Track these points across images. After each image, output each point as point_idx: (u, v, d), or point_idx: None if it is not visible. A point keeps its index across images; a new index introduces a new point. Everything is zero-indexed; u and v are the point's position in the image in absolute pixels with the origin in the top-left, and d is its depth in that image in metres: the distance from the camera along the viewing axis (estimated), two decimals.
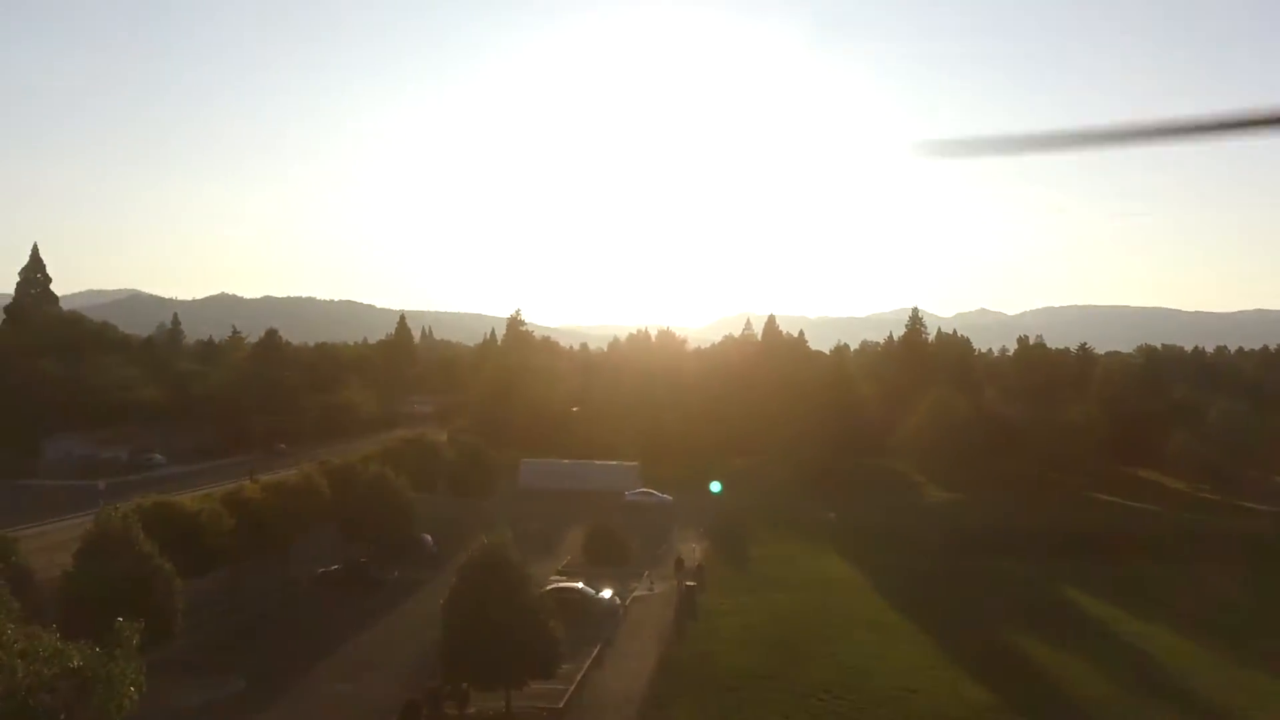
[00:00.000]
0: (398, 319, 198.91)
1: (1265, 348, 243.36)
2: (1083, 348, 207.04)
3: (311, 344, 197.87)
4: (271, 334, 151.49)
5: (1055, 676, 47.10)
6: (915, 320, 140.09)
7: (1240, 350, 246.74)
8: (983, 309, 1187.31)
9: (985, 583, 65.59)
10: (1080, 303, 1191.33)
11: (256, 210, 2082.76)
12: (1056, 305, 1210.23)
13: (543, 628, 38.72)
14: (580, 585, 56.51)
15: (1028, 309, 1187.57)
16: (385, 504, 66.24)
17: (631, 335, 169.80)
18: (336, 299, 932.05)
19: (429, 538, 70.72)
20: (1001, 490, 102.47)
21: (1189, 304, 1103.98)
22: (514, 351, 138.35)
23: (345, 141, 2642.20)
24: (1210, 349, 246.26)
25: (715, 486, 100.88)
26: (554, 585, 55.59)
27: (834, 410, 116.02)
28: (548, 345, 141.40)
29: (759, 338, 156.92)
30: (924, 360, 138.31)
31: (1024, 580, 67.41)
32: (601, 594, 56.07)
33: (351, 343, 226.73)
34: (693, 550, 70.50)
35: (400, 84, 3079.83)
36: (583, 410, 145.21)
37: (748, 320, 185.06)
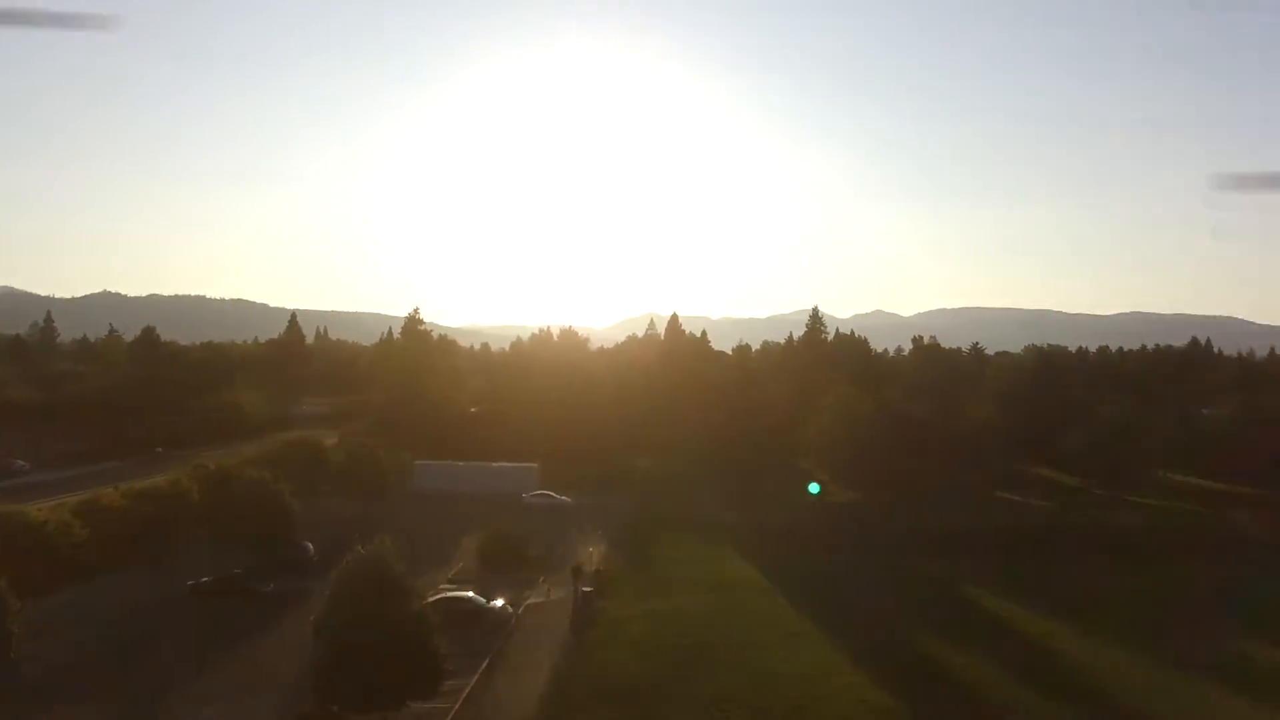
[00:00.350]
0: (291, 318, 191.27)
1: (1144, 347, 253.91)
2: (975, 347, 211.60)
3: (199, 344, 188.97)
4: (149, 332, 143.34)
5: (960, 679, 45.79)
6: (815, 319, 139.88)
7: (1121, 350, 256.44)
8: (878, 310, 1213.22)
9: (889, 583, 64.53)
10: (972, 304, 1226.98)
11: (142, 205, 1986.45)
12: (950, 307, 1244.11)
13: (425, 642, 35.61)
14: (470, 594, 53.40)
15: (922, 310, 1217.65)
16: (263, 511, 61.78)
17: (534, 335, 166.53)
18: (228, 298, 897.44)
19: (310, 546, 66.44)
20: (905, 488, 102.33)
21: (1072, 306, 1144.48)
22: (411, 351, 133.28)
23: (239, 137, 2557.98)
24: (1094, 349, 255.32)
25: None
26: (441, 595, 52.39)
27: (738, 408, 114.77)
28: (446, 344, 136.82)
29: (662, 337, 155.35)
30: (825, 358, 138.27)
31: (927, 579, 66.59)
32: (493, 603, 53.03)
33: (242, 342, 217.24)
34: (590, 554, 67.81)
35: (301, 81, 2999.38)
36: (484, 411, 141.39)
37: (651, 320, 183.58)
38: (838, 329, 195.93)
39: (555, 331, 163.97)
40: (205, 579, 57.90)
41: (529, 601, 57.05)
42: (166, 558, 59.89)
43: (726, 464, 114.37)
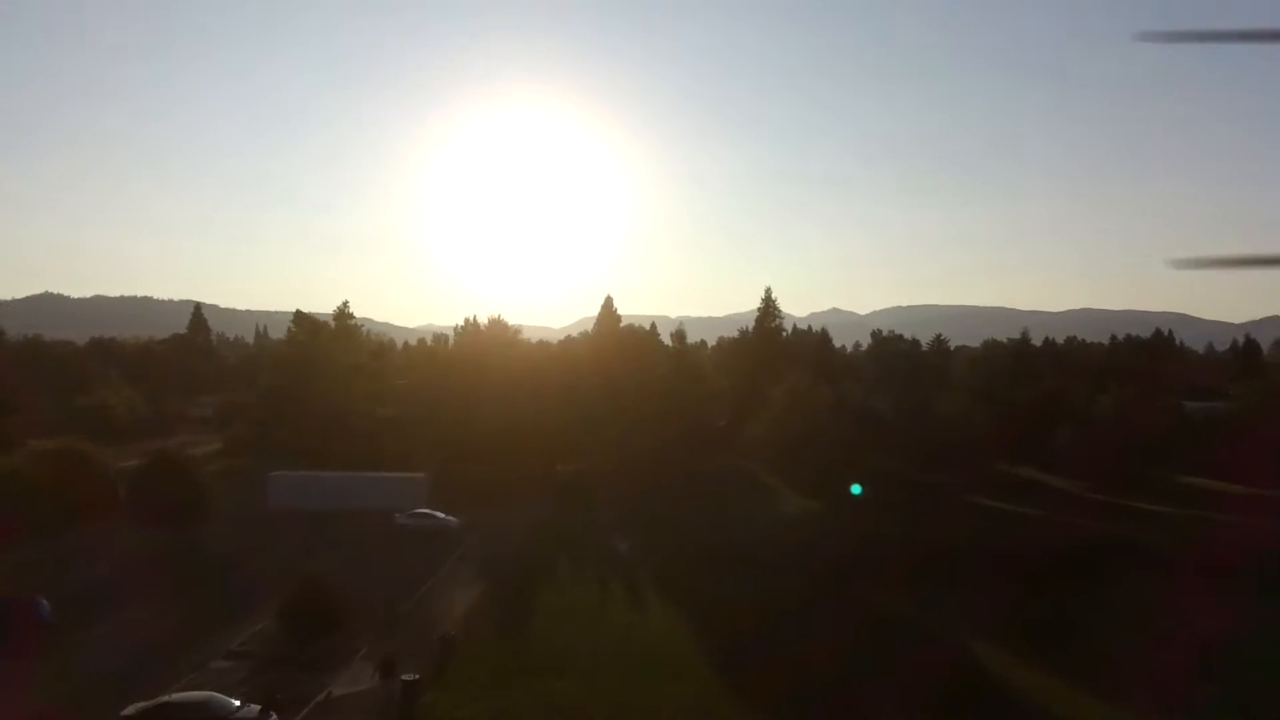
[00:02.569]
0: (194, 310, 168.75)
1: (1113, 338, 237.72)
2: (938, 339, 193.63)
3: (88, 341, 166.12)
4: None
5: None
6: (768, 305, 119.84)
7: (1083, 341, 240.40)
8: (835, 308, 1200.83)
9: (861, 634, 45.02)
10: (927, 302, 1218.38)
11: (86, 205, 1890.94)
12: (905, 304, 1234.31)
13: None
14: (207, 696, 33.02)
15: (877, 308, 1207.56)
16: None
17: (458, 328, 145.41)
18: (177, 298, 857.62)
19: (45, 603, 45.47)
20: (869, 495, 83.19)
21: (1024, 303, 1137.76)
22: (296, 345, 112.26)
23: (196, 138, 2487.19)
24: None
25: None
26: (160, 702, 32.06)
27: (676, 404, 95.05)
28: (348, 337, 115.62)
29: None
30: (780, 349, 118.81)
31: (907, 622, 47.36)
32: (241, 710, 32.67)
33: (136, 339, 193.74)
34: (449, 606, 47.56)
35: (224, 79, 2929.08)
36: (397, 414, 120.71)
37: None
38: (794, 326, 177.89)
39: (485, 323, 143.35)
40: None
41: (326, 696, 36.50)
42: None
43: (663, 468, 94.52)
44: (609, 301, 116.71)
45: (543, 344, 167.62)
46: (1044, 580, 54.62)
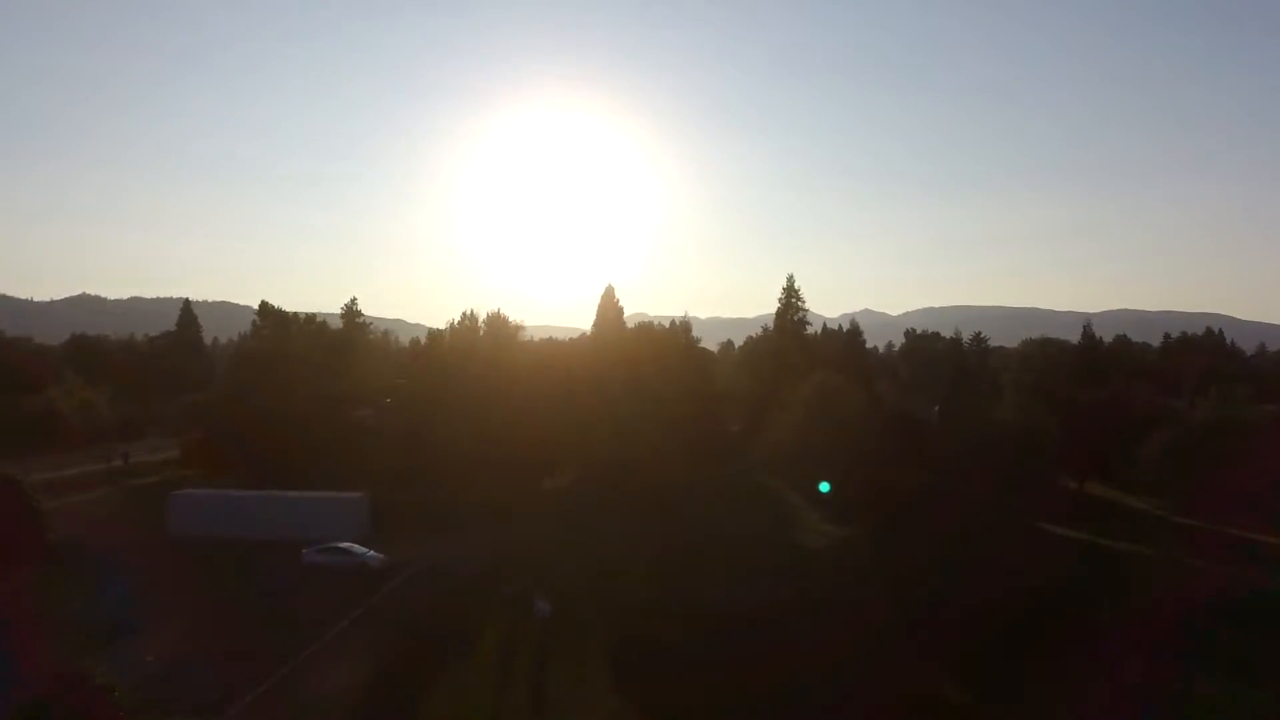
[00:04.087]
0: (184, 306, 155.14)
1: (1167, 337, 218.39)
2: (977, 338, 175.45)
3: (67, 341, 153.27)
4: None
5: None
6: (790, 293, 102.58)
7: (1128, 341, 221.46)
8: (867, 309, 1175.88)
9: None
10: (958, 303, 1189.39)
11: (125, 206, 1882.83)
12: (936, 306, 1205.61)
13: None
14: None
15: (909, 309, 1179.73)
16: None
17: (454, 324, 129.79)
18: (212, 299, 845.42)
19: None
20: (911, 517, 66.32)
21: (1058, 304, 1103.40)
22: (265, 341, 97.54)
23: (231, 136, 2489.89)
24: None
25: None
26: None
27: (683, 408, 78.88)
28: (315, 330, 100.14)
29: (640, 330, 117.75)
30: (804, 346, 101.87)
31: None
32: None
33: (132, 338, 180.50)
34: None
35: (282, 83, 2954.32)
36: (371, 417, 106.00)
37: (638, 320, 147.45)
38: (825, 325, 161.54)
39: (481, 318, 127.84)
40: None
41: None
42: None
43: (662, 483, 78.45)
44: (610, 292, 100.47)
45: (550, 342, 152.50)
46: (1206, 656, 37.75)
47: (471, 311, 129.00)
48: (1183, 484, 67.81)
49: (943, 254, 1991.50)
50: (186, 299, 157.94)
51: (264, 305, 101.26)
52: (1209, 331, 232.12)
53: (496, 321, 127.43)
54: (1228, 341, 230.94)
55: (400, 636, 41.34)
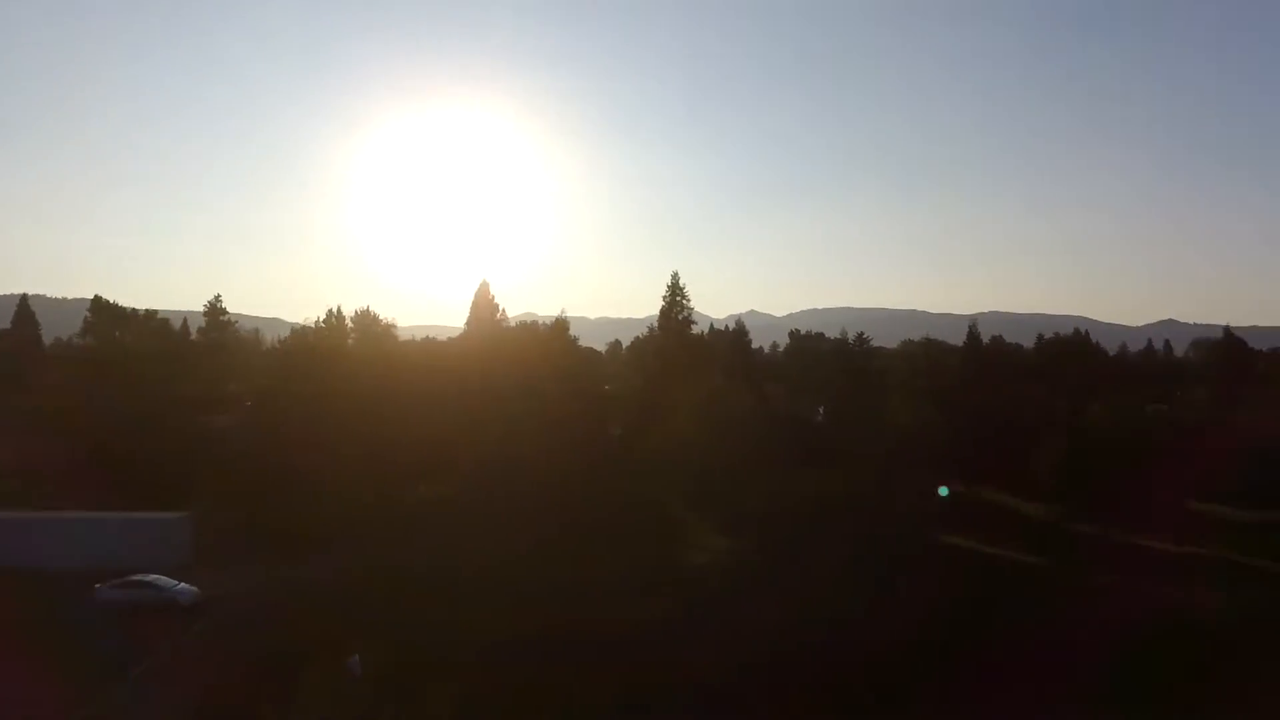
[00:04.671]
0: (19, 301, 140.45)
1: (1040, 338, 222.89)
2: (860, 337, 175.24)
3: None
4: None
5: None
6: (675, 290, 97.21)
7: (1002, 342, 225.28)
8: (753, 310, 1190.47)
9: None
10: (842, 305, 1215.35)
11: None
12: (821, 307, 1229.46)
13: None
14: None
15: (794, 310, 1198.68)
16: None
17: (319, 322, 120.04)
18: (69, 297, 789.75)
19: None
20: (803, 527, 61.89)
21: (936, 306, 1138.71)
22: (105, 342, 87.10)
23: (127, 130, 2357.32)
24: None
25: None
26: None
27: (557, 411, 72.87)
28: (160, 328, 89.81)
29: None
30: (689, 346, 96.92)
31: None
32: None
33: None
34: None
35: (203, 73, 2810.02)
36: (229, 423, 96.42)
37: (502, 310, 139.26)
38: (711, 326, 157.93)
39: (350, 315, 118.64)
40: None
41: None
42: None
43: (546, 491, 72.09)
44: (484, 288, 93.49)
45: (428, 341, 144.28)
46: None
47: (338, 308, 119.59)
48: (1079, 490, 65.55)
49: (826, 256, 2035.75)
50: (24, 294, 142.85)
51: (97, 300, 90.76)
52: (1076, 333, 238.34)
53: (365, 319, 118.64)
54: (1094, 342, 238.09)
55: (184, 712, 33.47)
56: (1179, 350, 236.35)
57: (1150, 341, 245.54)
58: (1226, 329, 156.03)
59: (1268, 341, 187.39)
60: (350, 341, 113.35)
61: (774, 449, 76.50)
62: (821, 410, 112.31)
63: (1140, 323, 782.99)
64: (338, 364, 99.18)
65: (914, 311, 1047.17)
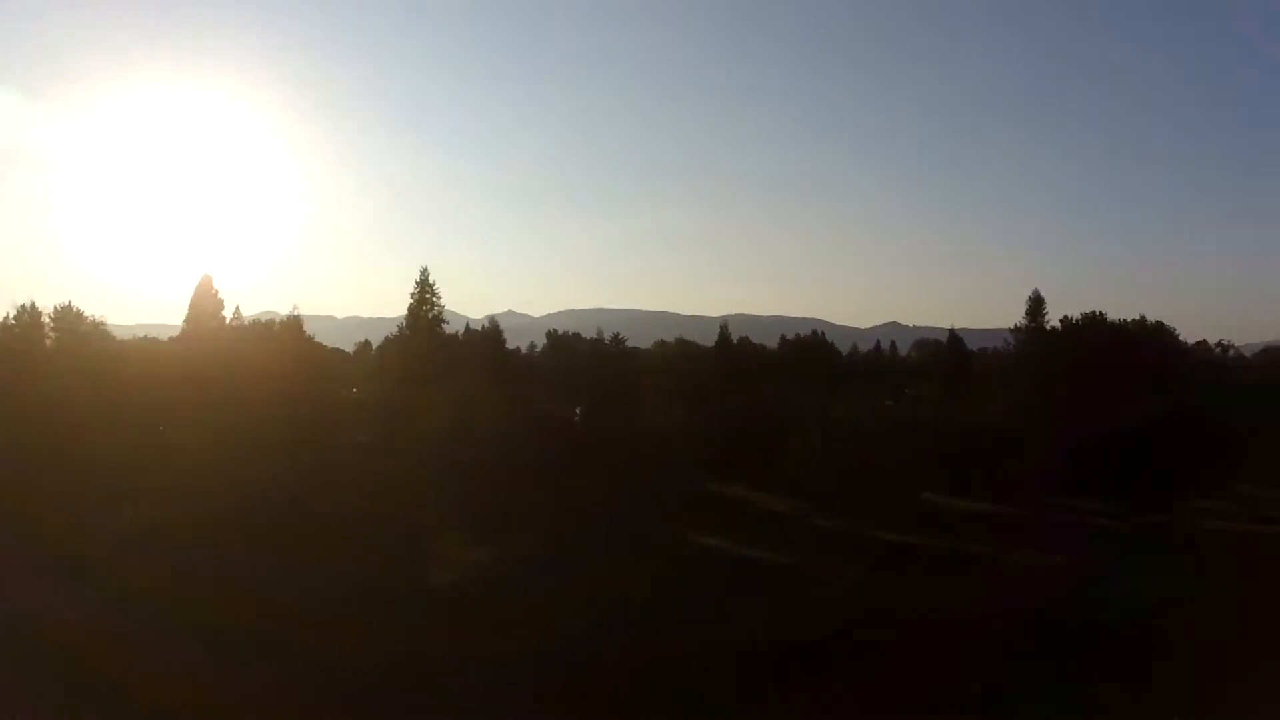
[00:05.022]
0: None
1: (783, 338, 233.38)
2: (616, 338, 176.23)
3: None
4: None
5: None
6: (425, 287, 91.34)
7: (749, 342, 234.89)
8: (510, 310, 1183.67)
9: None
10: (599, 306, 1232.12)
11: None
12: (578, 308, 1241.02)
13: None
14: None
15: (551, 311, 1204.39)
16: None
17: (8, 320, 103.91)
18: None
19: None
20: (562, 537, 58.65)
21: (687, 307, 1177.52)
22: None
23: None
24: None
25: None
26: None
27: (289, 413, 65.61)
28: None
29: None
30: (441, 346, 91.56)
31: None
32: None
33: None
34: None
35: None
36: None
37: (236, 309, 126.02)
38: (468, 325, 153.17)
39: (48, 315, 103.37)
40: None
41: None
42: None
43: (273, 510, 64.47)
44: (206, 283, 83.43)
45: (149, 341, 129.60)
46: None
47: (32, 304, 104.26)
48: (824, 485, 66.97)
49: (584, 257, 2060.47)
50: None
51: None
52: (814, 334, 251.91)
53: (68, 316, 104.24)
54: (830, 343, 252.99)
55: None
56: (903, 350, 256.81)
57: (879, 342, 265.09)
58: (951, 331, 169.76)
59: (977, 341, 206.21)
60: (49, 343, 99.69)
61: (530, 452, 73.26)
62: (579, 411, 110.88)
63: (868, 325, 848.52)
64: (31, 367, 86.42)
65: (666, 313, 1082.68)
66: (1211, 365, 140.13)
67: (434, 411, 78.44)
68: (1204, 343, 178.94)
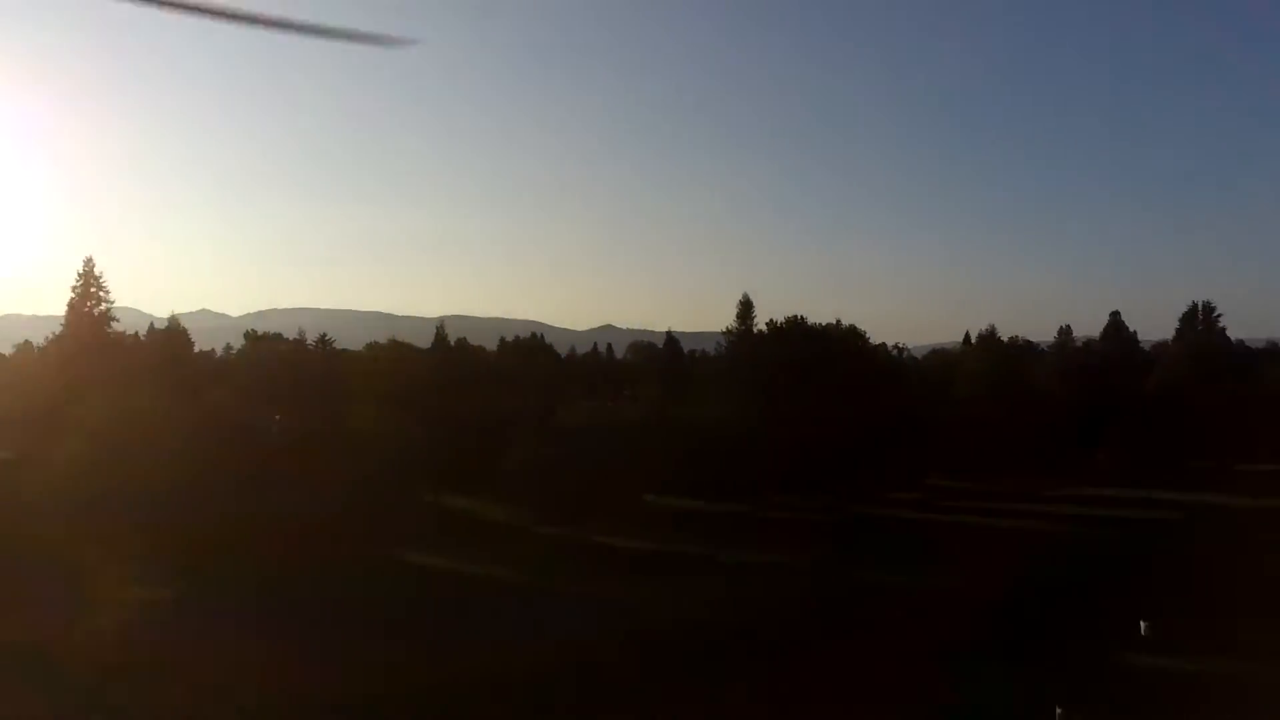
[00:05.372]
0: None
1: (503, 341, 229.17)
2: (323, 340, 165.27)
3: None
4: None
5: None
6: (89, 280, 78.28)
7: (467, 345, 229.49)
8: (205, 309, 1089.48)
9: None
10: (305, 305, 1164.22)
11: None
12: (281, 307, 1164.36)
13: None
14: None
15: (251, 310, 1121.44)
16: None
17: None
18: None
19: None
20: (254, 559, 51.33)
21: (401, 308, 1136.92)
22: None
23: None
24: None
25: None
26: None
27: None
28: None
29: None
30: (109, 348, 79.13)
31: None
32: None
33: None
34: None
35: None
36: None
37: None
38: (151, 325, 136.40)
39: None
40: None
41: None
42: None
43: None
44: None
45: None
46: None
47: None
48: (546, 492, 64.06)
49: (287, 252, 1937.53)
50: None
51: None
52: (534, 336, 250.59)
53: None
54: (549, 345, 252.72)
55: None
56: (619, 353, 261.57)
57: (596, 345, 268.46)
58: (669, 333, 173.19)
59: (692, 344, 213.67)
60: None
61: (217, 465, 64.53)
62: (278, 418, 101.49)
63: (584, 327, 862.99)
64: None
65: (379, 313, 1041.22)
66: (894, 366, 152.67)
67: (94, 423, 67.13)
68: (884, 344, 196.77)
